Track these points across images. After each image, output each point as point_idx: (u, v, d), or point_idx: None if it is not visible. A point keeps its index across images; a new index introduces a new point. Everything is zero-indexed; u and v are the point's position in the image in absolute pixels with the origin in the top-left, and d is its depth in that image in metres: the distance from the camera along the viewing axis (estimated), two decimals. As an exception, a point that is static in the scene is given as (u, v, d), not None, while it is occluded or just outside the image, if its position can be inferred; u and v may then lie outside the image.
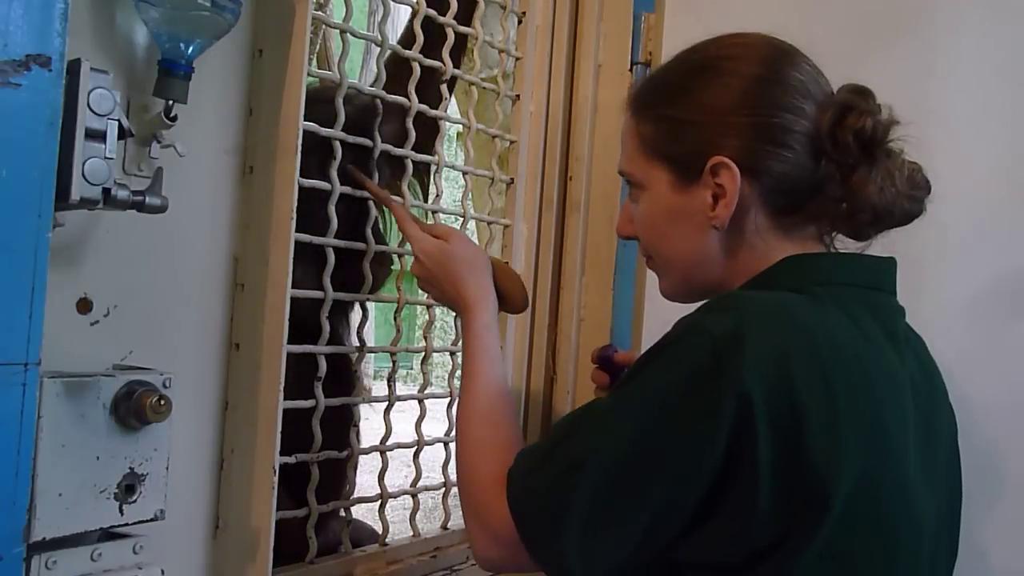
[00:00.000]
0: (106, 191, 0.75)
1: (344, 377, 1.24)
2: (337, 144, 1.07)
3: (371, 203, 1.15)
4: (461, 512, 0.91)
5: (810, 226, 0.91)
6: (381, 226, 1.25)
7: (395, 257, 1.23)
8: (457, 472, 0.93)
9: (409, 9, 1.20)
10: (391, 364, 1.23)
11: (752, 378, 0.73)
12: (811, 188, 0.87)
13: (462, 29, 1.28)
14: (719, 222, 0.88)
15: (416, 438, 1.26)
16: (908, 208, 0.89)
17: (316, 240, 1.04)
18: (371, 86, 1.17)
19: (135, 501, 0.79)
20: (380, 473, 1.21)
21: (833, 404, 0.75)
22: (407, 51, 1.19)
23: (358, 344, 1.17)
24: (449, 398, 1.30)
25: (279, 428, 0.96)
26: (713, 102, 0.88)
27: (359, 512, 1.20)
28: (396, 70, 1.21)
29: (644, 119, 0.93)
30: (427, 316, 1.30)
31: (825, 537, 0.74)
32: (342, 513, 1.15)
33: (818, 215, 0.89)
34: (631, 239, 0.99)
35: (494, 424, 0.94)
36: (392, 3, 1.16)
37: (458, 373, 1.31)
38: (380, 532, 1.21)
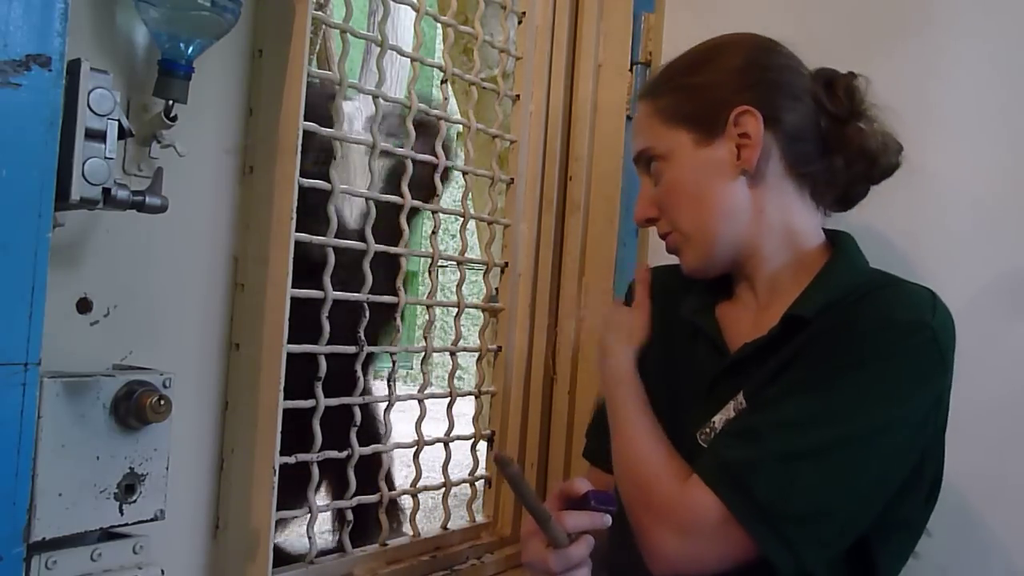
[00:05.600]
0: (106, 191, 0.75)
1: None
2: (337, 144, 1.07)
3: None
4: (635, 520, 0.92)
5: (819, 188, 1.00)
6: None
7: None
8: (628, 478, 0.95)
9: (409, 9, 1.20)
10: (391, 364, 1.23)
11: None
12: (818, 139, 0.98)
13: (464, 29, 1.28)
14: (748, 165, 0.95)
15: (416, 438, 1.26)
16: (892, 160, 1.00)
17: (316, 240, 1.04)
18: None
19: (135, 501, 0.79)
20: (380, 473, 1.21)
21: None
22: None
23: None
24: (449, 398, 1.30)
25: (279, 428, 0.96)
26: (726, 64, 0.98)
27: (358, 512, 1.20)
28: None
29: (661, 95, 1.01)
30: (427, 316, 1.30)
31: None
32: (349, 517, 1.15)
33: (823, 172, 0.99)
34: (650, 223, 1.04)
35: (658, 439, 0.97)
36: (392, 3, 1.16)
37: (458, 373, 1.32)
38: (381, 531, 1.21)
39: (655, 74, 1.05)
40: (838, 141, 0.97)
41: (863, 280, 0.95)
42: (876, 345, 0.87)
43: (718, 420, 0.95)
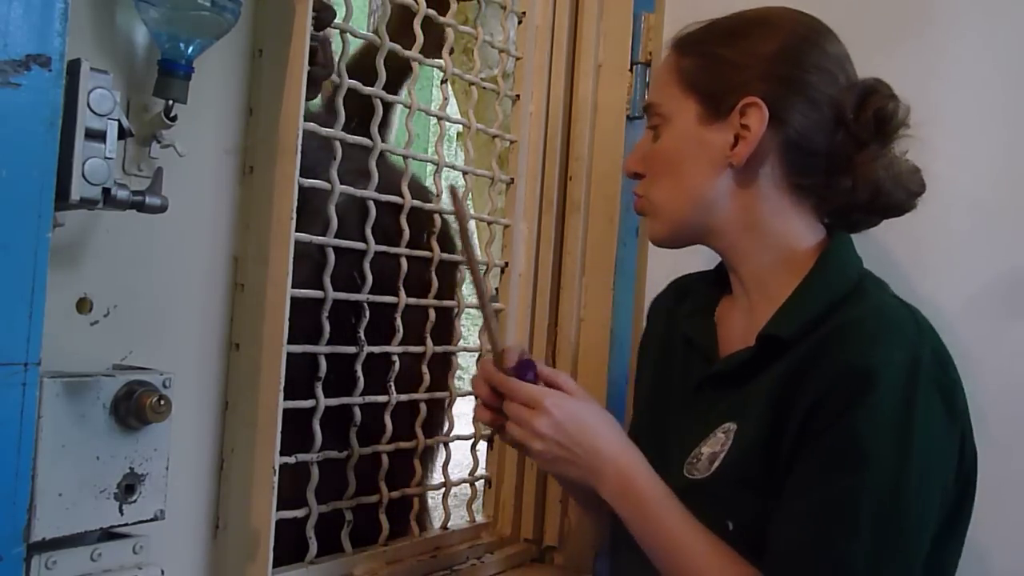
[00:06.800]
0: (106, 191, 0.75)
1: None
2: (337, 144, 1.07)
3: (371, 202, 1.14)
4: None
5: (814, 200, 0.95)
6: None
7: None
8: None
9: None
10: (391, 364, 1.23)
11: None
12: (825, 155, 0.92)
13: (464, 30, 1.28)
14: (737, 160, 0.92)
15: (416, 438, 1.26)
16: (903, 198, 0.94)
17: (316, 240, 1.04)
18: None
19: (135, 501, 0.79)
20: (380, 473, 1.21)
21: None
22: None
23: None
24: (449, 398, 1.30)
25: (279, 428, 0.96)
26: (757, 48, 0.93)
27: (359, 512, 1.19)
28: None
29: (688, 54, 0.97)
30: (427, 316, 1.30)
31: None
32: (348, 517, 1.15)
33: (823, 188, 0.93)
34: (636, 177, 1.01)
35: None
36: (392, 3, 1.16)
37: (458, 373, 1.32)
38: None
39: (695, 26, 0.99)
40: (847, 162, 0.91)
41: (841, 292, 0.90)
42: (895, 430, 0.83)
43: (706, 452, 0.91)
